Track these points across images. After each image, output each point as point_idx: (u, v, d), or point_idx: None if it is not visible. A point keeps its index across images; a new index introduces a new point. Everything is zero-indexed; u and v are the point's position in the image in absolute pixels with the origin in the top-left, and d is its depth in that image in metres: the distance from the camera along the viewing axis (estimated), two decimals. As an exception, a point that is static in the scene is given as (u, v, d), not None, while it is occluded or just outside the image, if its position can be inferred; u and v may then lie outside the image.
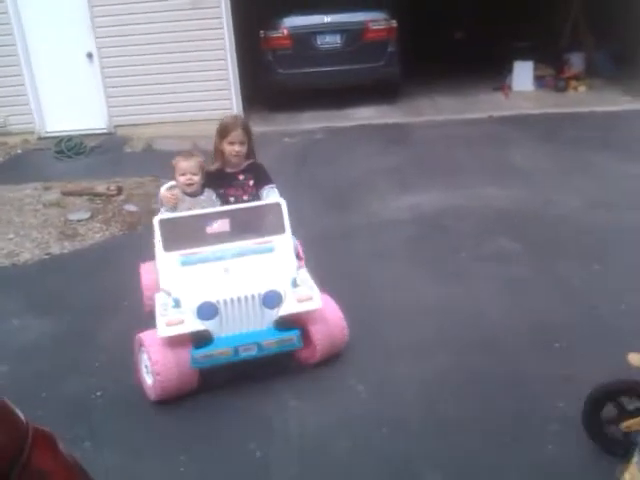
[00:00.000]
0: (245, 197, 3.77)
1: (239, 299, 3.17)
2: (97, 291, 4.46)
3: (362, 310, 3.88)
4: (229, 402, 3.18)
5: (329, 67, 9.29)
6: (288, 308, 3.23)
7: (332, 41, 9.41)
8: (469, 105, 9.51)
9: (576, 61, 10.83)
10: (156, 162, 7.49)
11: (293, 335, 3.20)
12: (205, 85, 8.78)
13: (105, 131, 8.91)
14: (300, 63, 9.29)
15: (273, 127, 8.93)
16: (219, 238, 3.36)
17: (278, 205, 3.46)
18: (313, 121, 9.08)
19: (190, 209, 3.54)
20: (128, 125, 8.82)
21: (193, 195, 3.66)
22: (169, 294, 3.20)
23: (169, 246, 3.29)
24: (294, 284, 3.27)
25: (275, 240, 3.40)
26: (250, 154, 3.86)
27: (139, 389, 3.27)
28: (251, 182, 3.81)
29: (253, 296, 3.18)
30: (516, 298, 3.97)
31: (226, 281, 3.20)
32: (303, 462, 2.78)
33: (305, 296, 3.25)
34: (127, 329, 3.58)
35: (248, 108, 9.25)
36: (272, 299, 3.21)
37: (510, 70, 10.50)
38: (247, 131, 3.80)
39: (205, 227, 3.38)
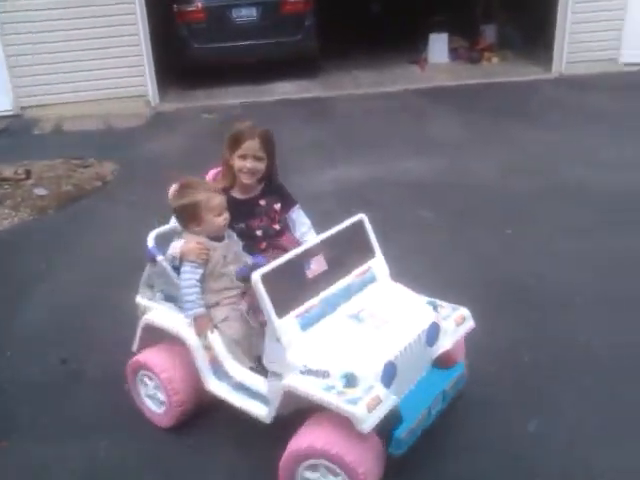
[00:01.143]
0: (276, 226, 3.02)
1: (410, 346, 2.41)
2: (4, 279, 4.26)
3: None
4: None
5: (245, 41, 9.11)
6: (450, 338, 2.58)
7: (248, 14, 9.21)
8: (387, 78, 9.56)
9: (489, 33, 11.08)
10: (66, 144, 7.21)
11: (463, 370, 2.61)
12: (117, 62, 8.43)
13: (11, 113, 8.42)
14: (216, 37, 9.07)
15: (190, 103, 8.72)
16: (322, 281, 2.53)
17: (361, 222, 2.73)
18: (232, 96, 8.91)
19: (225, 257, 2.71)
20: (36, 106, 8.38)
21: (218, 239, 2.75)
22: (326, 373, 2.27)
23: (281, 309, 2.36)
24: (435, 307, 2.65)
25: (372, 265, 2.74)
26: (271, 174, 3.06)
27: (53, 376, 3.16)
28: (277, 206, 3.04)
29: (419, 336, 2.46)
30: (434, 265, 4.03)
31: (374, 331, 2.43)
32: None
33: (459, 317, 2.65)
34: (40, 317, 3.43)
35: (163, 84, 8.98)
36: (433, 333, 2.52)
37: (426, 43, 10.62)
38: (267, 144, 2.97)
39: (304, 271, 2.51)
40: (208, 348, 2.63)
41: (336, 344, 2.36)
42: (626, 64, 9.16)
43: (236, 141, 2.93)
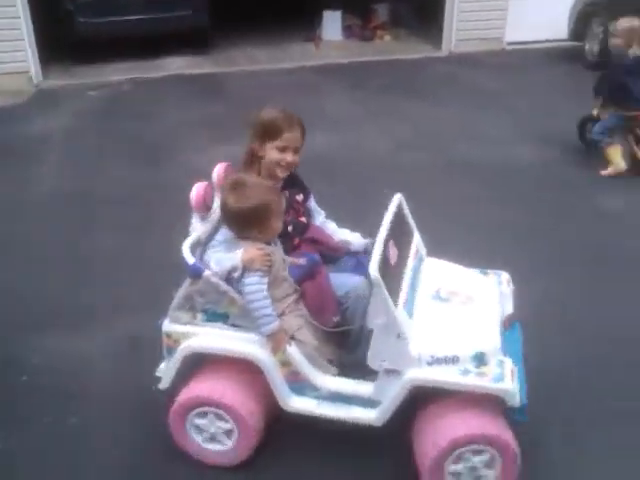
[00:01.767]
0: (303, 219, 2.75)
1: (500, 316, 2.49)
2: None
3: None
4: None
5: (134, 16, 8.75)
6: (509, 301, 2.61)
7: (136, -13, 8.85)
8: (282, 55, 9.49)
9: (382, 12, 11.21)
10: None
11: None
12: (-8, 35, 7.89)
13: None
14: (102, 12, 8.64)
15: (76, 80, 8.29)
16: (398, 267, 2.41)
17: (401, 202, 2.60)
18: (120, 72, 8.54)
19: (283, 261, 2.44)
20: None
21: (268, 243, 2.44)
22: (455, 359, 2.20)
23: (394, 300, 2.22)
24: (486, 275, 2.73)
25: (417, 244, 2.68)
26: None
27: None
28: (299, 197, 2.79)
29: (500, 305, 2.55)
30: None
31: (466, 308, 2.43)
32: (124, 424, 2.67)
33: (506, 280, 2.73)
34: None
35: (46, 60, 8.47)
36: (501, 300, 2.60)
37: (320, 20, 10.62)
38: (305, 133, 2.72)
39: (388, 259, 2.32)
40: (285, 364, 2.37)
41: (446, 327, 2.31)
42: (509, 43, 9.57)
43: (273, 131, 2.62)
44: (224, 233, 2.45)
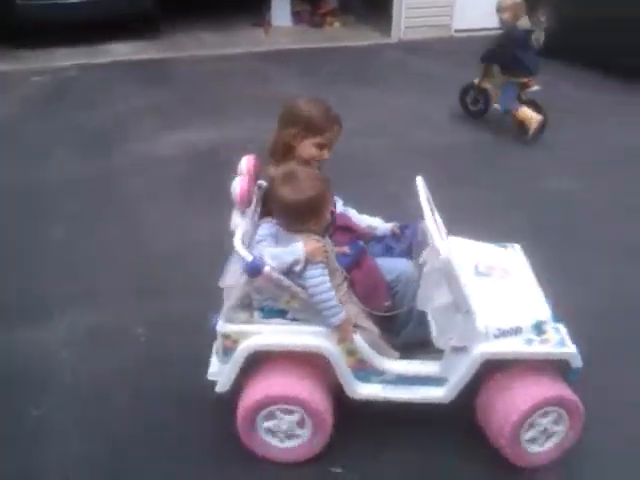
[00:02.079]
0: (333, 208, 2.69)
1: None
2: None
3: (138, 252, 3.76)
4: None
5: (77, -1, 8.51)
6: (528, 270, 2.72)
7: (77, -31, 8.59)
8: (231, 41, 9.40)
9: (330, -3, 11.19)
10: None
11: None
12: None
13: None
14: (43, -6, 8.37)
15: (18, 65, 8.04)
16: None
17: (421, 183, 2.63)
18: (66, 58, 8.31)
19: (332, 251, 2.41)
20: None
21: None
22: (518, 329, 2.32)
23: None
24: (506, 247, 2.83)
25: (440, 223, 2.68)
26: None
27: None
28: None
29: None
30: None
31: (508, 281, 2.54)
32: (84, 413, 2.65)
33: (521, 250, 2.83)
34: None
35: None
36: None
37: (269, 6, 10.53)
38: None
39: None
40: (351, 353, 2.36)
41: (501, 301, 2.40)
42: (457, 30, 9.71)
43: (315, 128, 2.55)
44: (268, 227, 2.37)
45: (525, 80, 5.50)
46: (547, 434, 2.38)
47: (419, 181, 2.60)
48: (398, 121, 6.09)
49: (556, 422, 2.36)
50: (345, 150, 5.24)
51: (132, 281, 3.55)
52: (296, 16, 10.71)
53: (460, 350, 2.33)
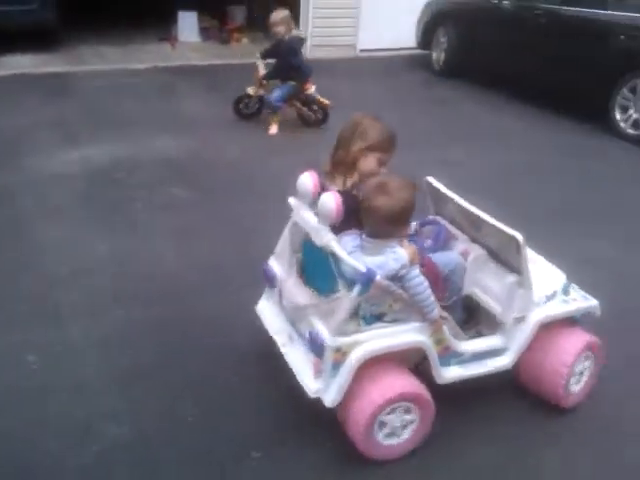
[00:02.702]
0: None
1: None
2: None
3: (30, 274, 3.59)
4: None
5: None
6: None
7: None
8: (136, 55, 9.22)
9: (238, 14, 11.23)
10: None
11: None
12: None
13: None
14: None
15: None
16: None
17: (430, 183, 3.01)
18: (-43, 70, 7.91)
19: None
20: None
21: None
22: (554, 293, 2.79)
23: None
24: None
25: None
26: None
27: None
28: None
29: None
30: (190, 244, 4.03)
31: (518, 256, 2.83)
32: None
33: None
34: None
35: None
36: None
37: (175, 21, 10.44)
38: None
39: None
40: (440, 342, 2.54)
41: (533, 273, 2.69)
42: (361, 50, 9.96)
43: (383, 145, 2.69)
44: (354, 239, 2.48)
45: (304, 84, 6.22)
46: (581, 374, 2.83)
47: (434, 181, 2.93)
48: (302, 137, 6.16)
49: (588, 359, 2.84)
50: (248, 166, 5.33)
51: (24, 304, 3.39)
52: (204, 32, 10.66)
53: (519, 320, 2.68)
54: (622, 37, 6.58)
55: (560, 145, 6.35)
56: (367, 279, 2.29)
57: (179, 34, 10.37)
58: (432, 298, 2.45)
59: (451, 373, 2.62)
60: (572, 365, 2.73)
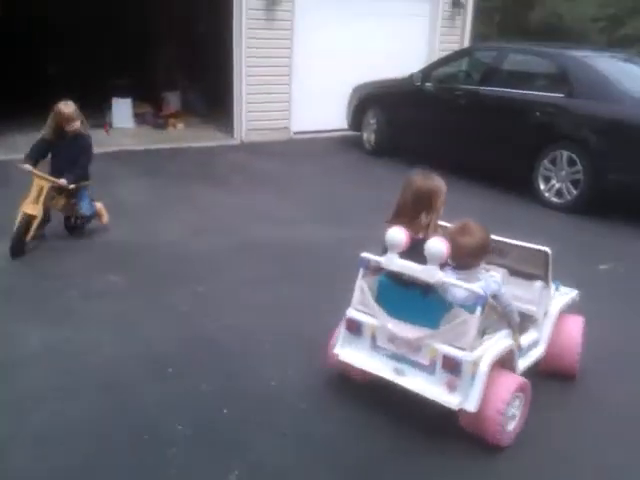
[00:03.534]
0: None
1: None
2: None
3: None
4: None
5: None
6: None
7: None
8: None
9: (173, 100, 11.46)
10: None
11: None
12: None
13: None
14: None
15: None
16: None
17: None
18: None
19: None
20: None
21: None
22: (555, 289, 3.59)
23: None
24: None
25: None
26: None
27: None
28: None
29: None
30: (128, 332, 3.94)
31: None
32: None
33: None
34: None
35: None
36: None
37: (110, 107, 10.55)
38: None
39: None
40: (516, 341, 3.14)
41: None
42: (295, 132, 10.27)
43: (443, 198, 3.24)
44: (450, 274, 3.03)
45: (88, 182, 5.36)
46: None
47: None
48: (240, 219, 6.22)
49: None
50: (189, 249, 5.33)
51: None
52: (139, 117, 10.80)
53: (546, 314, 3.43)
54: (538, 114, 7.04)
55: (489, 214, 6.60)
56: (485, 299, 2.89)
57: (113, 120, 10.46)
58: (515, 307, 3.12)
59: (522, 365, 3.20)
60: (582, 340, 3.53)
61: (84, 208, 5.33)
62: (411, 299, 3.04)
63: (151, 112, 11.04)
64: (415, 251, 2.98)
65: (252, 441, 2.96)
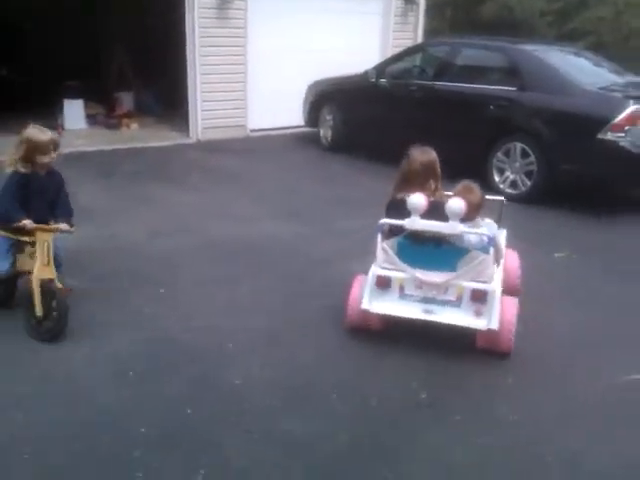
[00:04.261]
0: None
1: None
2: None
3: None
4: None
5: None
6: None
7: None
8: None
9: (126, 100, 11.29)
10: None
11: None
12: None
13: None
14: None
15: None
16: None
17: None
18: None
19: None
20: None
21: None
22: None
23: None
24: None
25: None
26: None
27: None
28: None
29: None
30: (91, 335, 3.86)
31: None
32: None
33: None
34: None
35: None
36: None
37: (61, 109, 10.33)
38: None
39: None
40: None
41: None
42: (252, 130, 10.23)
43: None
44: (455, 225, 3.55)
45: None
46: None
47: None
48: (199, 218, 6.16)
49: None
50: (149, 250, 5.25)
51: None
52: (91, 119, 10.62)
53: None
54: (491, 107, 7.16)
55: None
56: (494, 240, 3.63)
57: (65, 122, 10.25)
58: None
59: None
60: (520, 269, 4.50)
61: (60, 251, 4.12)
62: (428, 252, 3.68)
63: (103, 113, 10.86)
64: (435, 212, 3.54)
65: (218, 440, 2.94)
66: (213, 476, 2.72)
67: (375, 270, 3.75)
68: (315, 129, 9.69)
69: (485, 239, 3.60)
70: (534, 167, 6.80)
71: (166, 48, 10.74)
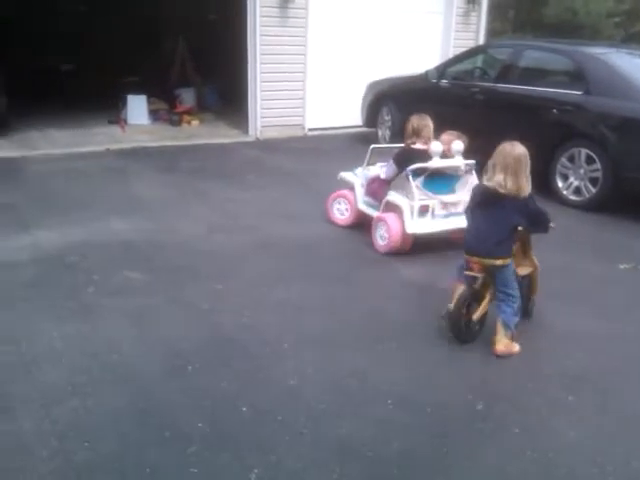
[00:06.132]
0: None
1: None
2: None
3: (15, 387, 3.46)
4: None
5: None
6: None
7: None
8: (86, 138, 9.28)
9: (187, 97, 11.49)
10: None
11: None
12: None
13: None
14: None
15: None
16: None
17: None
18: None
19: None
20: None
21: None
22: None
23: None
24: None
25: None
26: None
27: None
28: None
29: None
30: (148, 329, 3.95)
31: None
32: None
33: None
34: None
35: None
36: None
37: (125, 104, 10.59)
38: None
39: None
40: None
41: None
42: (309, 129, 10.26)
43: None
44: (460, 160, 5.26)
45: None
46: None
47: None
48: (256, 216, 6.22)
49: None
50: (205, 246, 5.33)
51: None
52: (154, 114, 10.84)
53: None
54: (555, 111, 6.99)
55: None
56: (475, 166, 5.17)
57: (128, 117, 10.50)
58: None
59: None
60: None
61: None
62: (440, 182, 5.19)
63: (166, 109, 11.07)
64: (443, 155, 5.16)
65: (271, 440, 2.96)
66: (266, 476, 2.74)
67: (415, 203, 5.10)
68: (373, 129, 9.65)
69: (474, 166, 5.11)
70: (599, 174, 6.60)
71: (227, 46, 10.90)
